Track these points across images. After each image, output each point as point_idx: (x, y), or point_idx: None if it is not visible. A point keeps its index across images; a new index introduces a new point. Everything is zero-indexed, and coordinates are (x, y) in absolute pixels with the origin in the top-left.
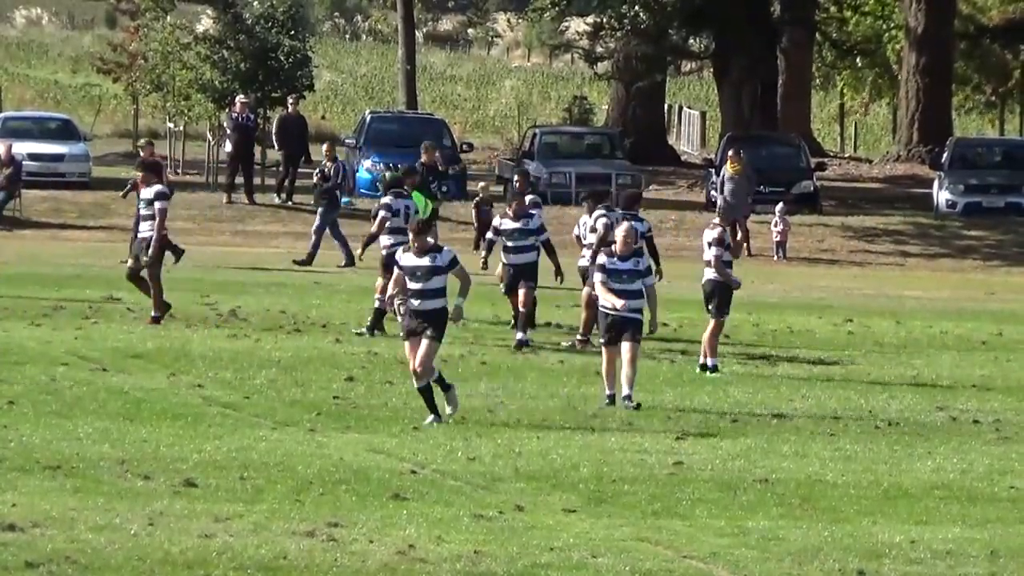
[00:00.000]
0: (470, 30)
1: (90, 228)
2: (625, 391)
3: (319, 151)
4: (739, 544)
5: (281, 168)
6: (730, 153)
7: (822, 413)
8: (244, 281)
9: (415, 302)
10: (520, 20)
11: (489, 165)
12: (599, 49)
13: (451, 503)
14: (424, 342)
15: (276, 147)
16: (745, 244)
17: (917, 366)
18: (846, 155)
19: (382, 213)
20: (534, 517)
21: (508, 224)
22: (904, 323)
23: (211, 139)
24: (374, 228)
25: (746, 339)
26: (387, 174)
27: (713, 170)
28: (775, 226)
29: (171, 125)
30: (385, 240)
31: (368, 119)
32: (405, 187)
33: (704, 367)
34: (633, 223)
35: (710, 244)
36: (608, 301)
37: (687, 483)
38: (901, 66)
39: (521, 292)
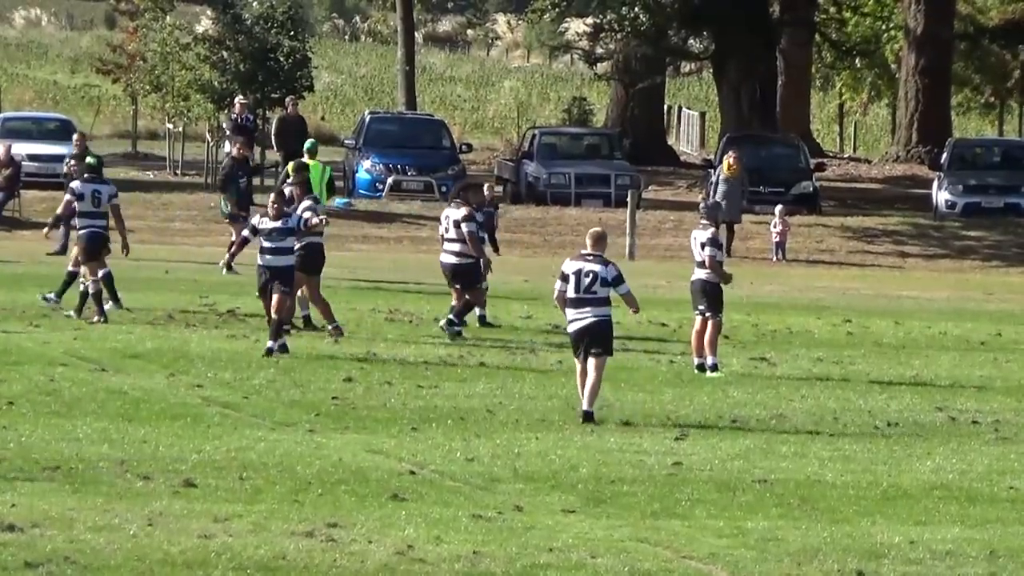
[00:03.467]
0: (469, 31)
1: None
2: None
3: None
4: (738, 544)
5: (280, 169)
6: (727, 154)
7: (821, 413)
8: (243, 281)
9: None
10: (520, 21)
11: (488, 166)
12: (599, 50)
13: (450, 503)
14: None
15: (275, 148)
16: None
17: (916, 366)
18: (845, 156)
19: (67, 196)
20: (533, 517)
21: (266, 223)
22: (903, 324)
23: (210, 140)
24: (59, 210)
25: (746, 339)
26: (89, 159)
27: (712, 170)
28: (774, 227)
29: (170, 126)
30: (77, 223)
31: (367, 120)
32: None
33: (701, 367)
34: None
35: (704, 244)
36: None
37: (686, 483)
38: (900, 67)
39: (275, 297)
